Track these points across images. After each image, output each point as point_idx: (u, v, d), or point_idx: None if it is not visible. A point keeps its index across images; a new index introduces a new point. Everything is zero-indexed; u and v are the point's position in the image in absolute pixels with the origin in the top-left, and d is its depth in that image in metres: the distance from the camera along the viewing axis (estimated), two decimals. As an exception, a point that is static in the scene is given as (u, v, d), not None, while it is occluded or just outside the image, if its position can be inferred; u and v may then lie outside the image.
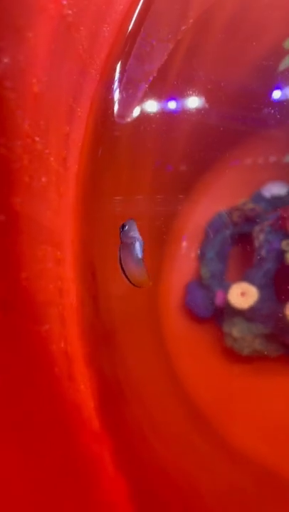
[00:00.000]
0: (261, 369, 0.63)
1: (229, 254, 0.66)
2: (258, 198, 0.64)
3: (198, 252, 0.66)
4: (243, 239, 0.65)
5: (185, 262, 0.67)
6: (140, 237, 0.41)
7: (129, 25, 0.39)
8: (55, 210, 0.36)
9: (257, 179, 0.65)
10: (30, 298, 0.34)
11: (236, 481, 0.55)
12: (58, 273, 0.35)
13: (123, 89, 0.41)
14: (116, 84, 0.40)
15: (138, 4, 0.38)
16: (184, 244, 0.65)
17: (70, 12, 0.34)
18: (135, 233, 0.40)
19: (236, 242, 0.66)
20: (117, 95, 0.40)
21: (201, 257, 0.65)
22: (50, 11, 0.32)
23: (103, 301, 0.42)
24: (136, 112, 0.44)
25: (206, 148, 0.62)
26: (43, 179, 0.35)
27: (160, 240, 0.65)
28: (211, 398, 0.61)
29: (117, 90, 0.40)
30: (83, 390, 0.34)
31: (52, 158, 0.34)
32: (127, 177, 0.46)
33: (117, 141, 0.43)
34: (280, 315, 0.56)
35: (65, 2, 0.33)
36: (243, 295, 0.58)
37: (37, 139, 0.34)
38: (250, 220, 0.62)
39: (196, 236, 0.66)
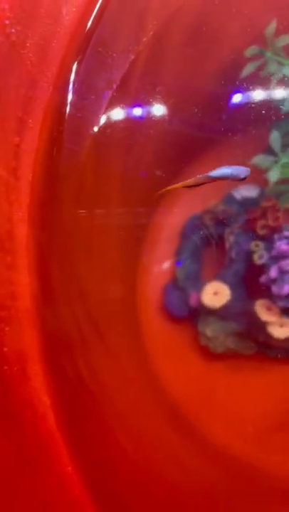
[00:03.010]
0: (236, 366, 0.64)
1: (203, 256, 0.68)
2: (230, 200, 0.66)
3: (174, 254, 0.67)
4: (216, 241, 0.66)
5: (162, 264, 0.68)
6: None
7: (80, 39, 0.41)
8: (6, 217, 0.38)
9: (228, 182, 0.67)
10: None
11: (211, 476, 0.57)
12: (9, 277, 0.37)
13: (81, 99, 0.43)
14: (72, 95, 0.42)
15: (88, 20, 0.41)
16: (160, 247, 0.67)
17: (13, 30, 0.36)
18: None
19: (210, 244, 0.67)
20: (72, 106, 0.42)
21: (176, 259, 0.67)
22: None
23: (64, 305, 0.44)
24: (98, 120, 0.46)
25: (175, 154, 0.64)
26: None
27: (136, 244, 0.67)
28: (187, 395, 0.63)
29: (74, 101, 0.42)
30: (38, 387, 0.36)
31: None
32: (91, 185, 0.48)
33: (77, 149, 0.45)
34: (251, 313, 0.57)
35: (7, 22, 0.35)
36: (216, 294, 0.60)
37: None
38: (222, 222, 0.64)
39: (172, 239, 0.68)
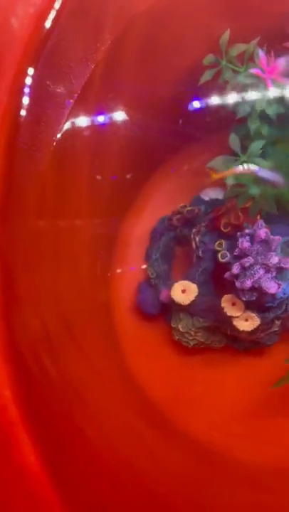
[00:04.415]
0: (207, 360, 0.67)
1: (173, 255, 0.70)
2: (197, 202, 0.69)
3: (145, 254, 0.70)
4: (185, 240, 0.69)
5: (135, 264, 0.71)
6: None
7: (36, 47, 0.43)
8: None
9: (196, 185, 0.70)
10: None
11: (182, 464, 0.59)
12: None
13: (41, 107, 0.46)
14: (30, 102, 0.44)
15: (43, 29, 0.43)
16: (131, 247, 0.70)
17: None
18: None
19: (179, 244, 0.70)
20: (31, 114, 0.44)
21: (148, 259, 0.70)
22: None
23: (31, 306, 0.47)
24: (60, 128, 0.49)
25: (141, 159, 0.66)
26: None
27: (109, 245, 0.69)
28: (160, 388, 0.65)
29: (33, 108, 0.44)
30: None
31: None
32: (56, 191, 0.50)
33: (38, 157, 0.47)
34: (218, 308, 0.60)
35: None
36: (184, 292, 0.63)
37: None
38: (189, 222, 0.67)
39: (143, 240, 0.71)
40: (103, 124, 0.53)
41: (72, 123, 0.48)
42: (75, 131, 0.49)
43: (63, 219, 0.52)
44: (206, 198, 0.69)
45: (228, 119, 0.56)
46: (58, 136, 0.47)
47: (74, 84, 0.47)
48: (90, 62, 0.47)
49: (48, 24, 0.41)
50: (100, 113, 0.52)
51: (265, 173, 0.49)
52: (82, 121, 0.50)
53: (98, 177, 0.56)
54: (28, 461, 0.36)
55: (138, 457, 0.55)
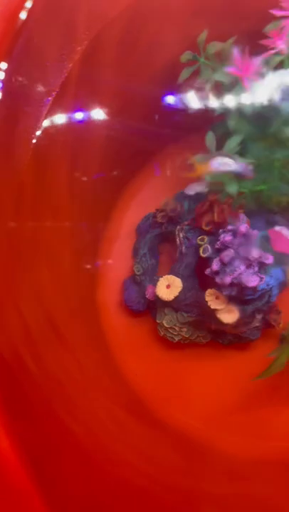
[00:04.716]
0: (193, 354, 0.68)
1: (159, 252, 0.71)
2: (180, 198, 0.70)
3: (131, 251, 0.71)
4: (170, 237, 0.70)
5: (121, 261, 0.72)
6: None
7: (8, 45, 0.44)
8: None
9: (180, 181, 0.71)
10: None
11: (170, 458, 0.60)
12: None
13: (16, 106, 0.46)
14: (2, 101, 0.44)
15: (15, 29, 0.44)
16: (117, 244, 0.71)
17: None
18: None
19: (165, 241, 0.71)
20: (8, 111, 0.45)
21: (134, 256, 0.71)
22: None
23: (10, 305, 0.48)
24: (38, 127, 0.49)
25: (127, 156, 0.67)
26: None
27: (94, 242, 0.70)
28: (147, 383, 0.66)
29: (10, 106, 0.45)
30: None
31: None
32: (34, 191, 0.51)
33: (16, 156, 0.48)
34: (202, 302, 0.61)
35: None
36: (168, 287, 0.63)
37: None
38: (173, 219, 0.68)
39: (129, 237, 0.72)
40: (83, 122, 0.54)
41: (52, 121, 0.49)
42: (54, 129, 0.50)
43: (43, 217, 0.53)
44: (191, 193, 0.69)
45: (209, 116, 0.57)
46: (38, 133, 0.48)
47: (51, 82, 0.47)
48: (66, 61, 0.47)
49: (18, 24, 0.41)
50: (80, 111, 0.53)
51: (240, 167, 0.50)
52: (62, 119, 0.51)
53: (80, 175, 0.57)
54: (8, 458, 0.37)
55: (123, 450, 0.56)
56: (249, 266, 0.55)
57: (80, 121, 0.53)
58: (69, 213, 0.57)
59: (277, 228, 0.65)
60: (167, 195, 0.70)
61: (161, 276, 0.65)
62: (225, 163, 0.51)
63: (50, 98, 0.47)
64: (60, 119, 0.49)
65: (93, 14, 0.47)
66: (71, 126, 0.52)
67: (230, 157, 0.51)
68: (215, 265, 0.56)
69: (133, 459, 0.56)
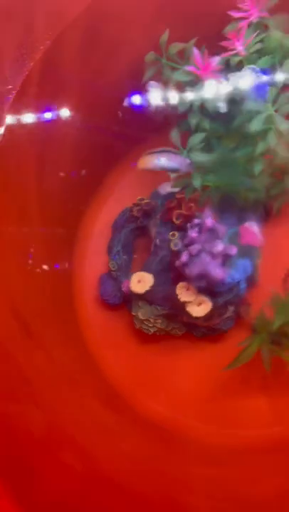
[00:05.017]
0: (169, 346, 0.70)
1: (134, 247, 0.73)
2: (155, 195, 0.72)
3: (107, 247, 0.73)
4: (145, 231, 0.72)
5: (98, 257, 0.74)
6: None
7: None
8: None
9: (157, 178, 0.73)
10: None
11: (148, 448, 0.61)
12: None
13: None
14: None
15: None
16: (94, 240, 0.73)
17: None
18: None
19: (140, 235, 0.73)
20: None
21: (109, 251, 0.73)
22: None
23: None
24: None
25: (99, 153, 0.69)
26: None
27: (69, 240, 0.72)
28: (123, 375, 0.68)
29: None
30: None
31: None
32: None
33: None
34: (174, 295, 0.63)
35: None
36: (140, 282, 0.65)
37: None
38: (147, 213, 0.70)
39: (105, 233, 0.74)
40: (50, 121, 0.55)
41: (14, 120, 0.50)
42: (17, 128, 0.51)
43: (9, 218, 0.54)
44: (164, 192, 0.71)
45: (175, 114, 0.59)
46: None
47: (10, 81, 0.49)
48: (27, 60, 0.49)
49: None
50: (46, 110, 0.54)
51: (179, 162, 0.52)
52: (25, 117, 0.52)
53: (50, 174, 0.59)
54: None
55: (99, 442, 0.58)
56: (214, 258, 0.57)
57: (47, 120, 0.55)
58: (38, 212, 0.59)
59: (246, 224, 0.67)
60: (143, 191, 0.72)
61: (134, 271, 0.67)
62: (164, 159, 0.53)
63: (10, 96, 0.48)
64: (23, 118, 0.51)
65: (53, 14, 0.49)
66: (36, 125, 0.54)
67: (173, 153, 0.52)
68: (184, 257, 0.58)
69: (107, 450, 0.57)
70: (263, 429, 0.62)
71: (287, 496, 0.53)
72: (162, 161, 0.53)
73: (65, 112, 0.58)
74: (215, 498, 0.53)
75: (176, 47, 0.56)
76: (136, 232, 0.72)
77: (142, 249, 0.72)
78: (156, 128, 0.64)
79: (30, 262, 0.59)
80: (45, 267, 0.63)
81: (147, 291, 0.65)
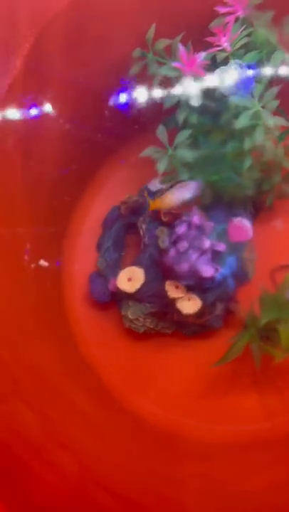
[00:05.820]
0: (159, 344, 0.70)
1: (124, 244, 0.73)
2: (144, 192, 0.71)
3: (97, 245, 0.73)
4: (135, 228, 0.72)
5: (88, 254, 0.73)
6: None
7: None
8: None
9: (147, 174, 0.72)
10: None
11: (139, 446, 0.61)
12: None
13: None
14: None
15: None
16: (83, 237, 0.72)
17: None
18: None
19: (130, 232, 0.73)
20: None
21: (99, 249, 0.72)
22: None
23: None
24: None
25: (87, 152, 0.69)
26: None
27: (58, 238, 0.71)
28: (113, 374, 0.67)
29: None
30: None
31: None
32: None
33: None
34: (164, 293, 0.63)
35: None
36: (130, 280, 0.65)
37: None
38: (136, 211, 0.70)
39: (94, 230, 0.73)
40: (37, 118, 0.55)
41: (1, 117, 0.50)
42: (4, 125, 0.51)
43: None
44: (154, 189, 0.71)
45: (156, 111, 0.58)
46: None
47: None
48: (12, 57, 0.48)
49: None
50: (32, 107, 0.54)
51: (195, 189, 0.53)
52: (12, 114, 0.52)
53: (37, 171, 0.58)
54: None
55: (90, 441, 0.57)
56: (202, 254, 0.57)
57: (33, 117, 0.54)
58: (27, 210, 0.58)
59: (235, 220, 0.67)
60: (135, 187, 0.72)
61: (122, 269, 0.66)
62: (181, 192, 0.54)
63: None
64: (9, 115, 0.51)
65: (35, 11, 0.49)
66: (23, 122, 0.53)
67: (184, 182, 0.53)
68: (172, 253, 0.57)
69: (98, 449, 0.57)
70: (253, 425, 0.62)
71: (277, 491, 0.53)
72: (182, 194, 0.54)
73: (51, 109, 0.57)
74: (206, 495, 0.53)
75: (162, 43, 0.55)
76: (126, 229, 0.72)
77: (133, 247, 0.72)
78: (144, 124, 0.64)
79: (18, 260, 0.59)
80: (33, 265, 0.62)
81: (137, 290, 0.65)
